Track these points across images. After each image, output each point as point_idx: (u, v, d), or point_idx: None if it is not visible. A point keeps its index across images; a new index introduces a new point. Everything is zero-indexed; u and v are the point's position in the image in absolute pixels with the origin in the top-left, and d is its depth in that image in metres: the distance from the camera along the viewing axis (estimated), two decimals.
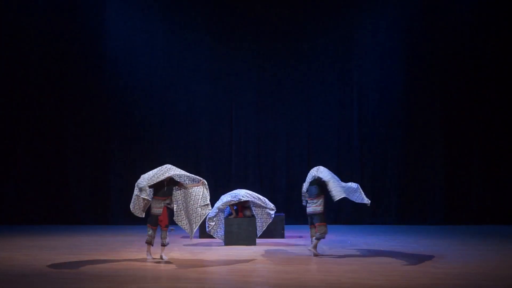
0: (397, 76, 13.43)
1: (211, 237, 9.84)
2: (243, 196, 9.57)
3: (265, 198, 9.90)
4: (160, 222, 8.00)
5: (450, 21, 13.36)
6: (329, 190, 8.31)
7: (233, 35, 13.54)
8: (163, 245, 8.04)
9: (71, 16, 13.50)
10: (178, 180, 8.17)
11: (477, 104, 13.23)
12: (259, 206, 9.76)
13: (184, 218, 8.12)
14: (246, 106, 13.53)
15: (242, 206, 9.75)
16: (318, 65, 13.50)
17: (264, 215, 9.82)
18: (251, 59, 13.52)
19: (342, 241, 10.11)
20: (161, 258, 8.01)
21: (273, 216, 9.89)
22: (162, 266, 7.58)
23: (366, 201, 8.49)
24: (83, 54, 13.50)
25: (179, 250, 8.99)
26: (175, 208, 8.14)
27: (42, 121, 13.40)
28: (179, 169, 8.13)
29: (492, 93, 13.22)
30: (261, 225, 9.82)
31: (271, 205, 9.87)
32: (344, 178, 13.29)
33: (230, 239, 9.47)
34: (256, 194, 9.80)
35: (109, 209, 13.27)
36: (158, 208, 7.97)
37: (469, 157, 13.22)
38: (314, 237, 8.41)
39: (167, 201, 8.05)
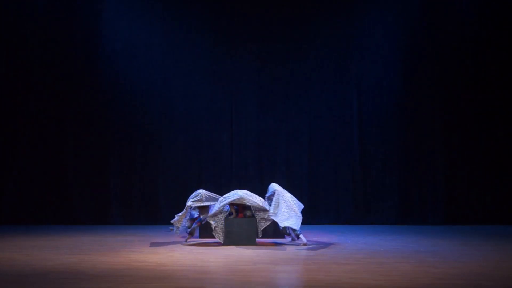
0: (397, 76, 13.44)
1: (211, 237, 9.82)
2: (241, 196, 9.48)
3: (263, 200, 9.81)
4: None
5: (450, 19, 13.36)
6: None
7: (233, 35, 13.54)
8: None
9: (69, 16, 13.48)
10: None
11: (477, 103, 13.24)
12: (259, 209, 9.68)
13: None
14: (246, 106, 13.54)
15: (242, 207, 9.72)
16: (318, 65, 13.50)
17: (263, 219, 9.74)
18: (251, 59, 13.52)
19: (342, 241, 10.10)
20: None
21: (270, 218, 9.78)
22: (162, 266, 7.58)
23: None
24: (82, 55, 13.49)
25: (179, 250, 8.99)
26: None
27: (42, 121, 13.39)
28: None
29: (492, 92, 13.23)
30: (259, 227, 9.76)
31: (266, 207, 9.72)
32: (344, 178, 13.41)
33: (230, 239, 9.46)
34: (255, 198, 9.68)
35: (109, 209, 13.27)
36: None
37: (470, 156, 13.23)
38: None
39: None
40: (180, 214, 9.59)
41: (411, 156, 13.34)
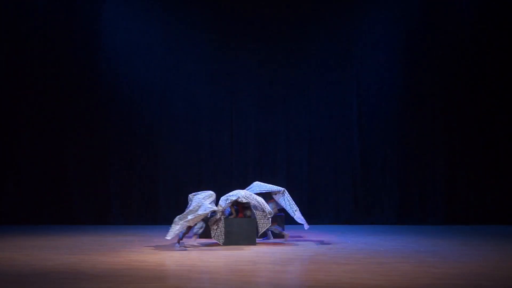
0: (397, 76, 13.44)
1: (211, 237, 9.81)
2: (243, 197, 9.45)
3: (263, 202, 9.77)
4: None
5: (450, 19, 13.36)
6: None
7: (233, 35, 13.54)
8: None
9: (69, 16, 13.48)
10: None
11: (477, 103, 13.24)
12: (259, 209, 9.64)
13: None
14: (246, 106, 13.54)
15: (242, 207, 9.72)
16: (318, 65, 13.51)
17: (263, 219, 9.68)
18: (251, 59, 13.52)
19: (342, 241, 10.10)
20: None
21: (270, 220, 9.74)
22: (162, 266, 7.58)
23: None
24: (82, 55, 13.50)
25: (179, 250, 8.99)
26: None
27: (42, 121, 13.40)
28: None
29: (493, 92, 13.23)
30: (259, 228, 9.71)
31: (269, 209, 9.67)
32: (344, 177, 13.40)
33: (230, 239, 9.46)
34: (255, 197, 9.65)
35: (109, 209, 13.28)
36: None
37: (470, 156, 13.22)
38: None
39: None
40: (199, 214, 9.28)
41: (411, 156, 13.34)
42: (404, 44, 13.42)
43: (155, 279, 6.70)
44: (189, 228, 9.26)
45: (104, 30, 13.52)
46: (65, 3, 13.52)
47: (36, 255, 8.43)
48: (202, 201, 9.41)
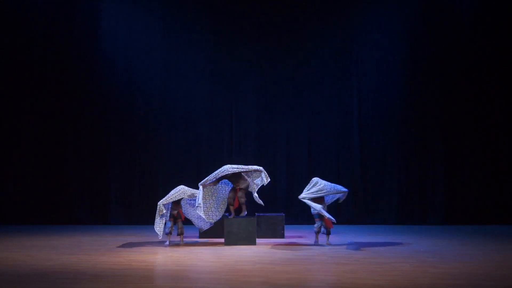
0: (397, 77, 13.42)
1: (211, 237, 9.84)
2: (228, 170, 9.52)
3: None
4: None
5: (450, 21, 13.35)
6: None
7: (233, 35, 13.53)
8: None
9: (70, 17, 13.45)
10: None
11: (477, 104, 13.23)
12: (248, 172, 9.78)
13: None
14: (246, 106, 13.53)
15: (234, 191, 9.74)
16: (318, 66, 13.49)
17: (255, 175, 9.81)
18: (251, 59, 13.50)
19: (342, 241, 10.10)
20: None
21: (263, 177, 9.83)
22: (162, 266, 7.59)
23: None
24: (82, 55, 13.48)
25: (180, 250, 9.00)
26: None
27: (42, 121, 13.39)
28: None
29: (492, 93, 13.22)
30: (256, 186, 9.82)
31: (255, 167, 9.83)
32: (344, 178, 13.40)
33: (230, 239, 9.47)
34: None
35: (109, 209, 13.28)
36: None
37: (469, 157, 13.22)
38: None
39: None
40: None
41: (411, 156, 13.33)
42: (404, 44, 13.40)
43: (154, 279, 6.70)
44: None
45: (103, 30, 13.50)
46: (65, 4, 13.52)
47: (36, 255, 8.44)
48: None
